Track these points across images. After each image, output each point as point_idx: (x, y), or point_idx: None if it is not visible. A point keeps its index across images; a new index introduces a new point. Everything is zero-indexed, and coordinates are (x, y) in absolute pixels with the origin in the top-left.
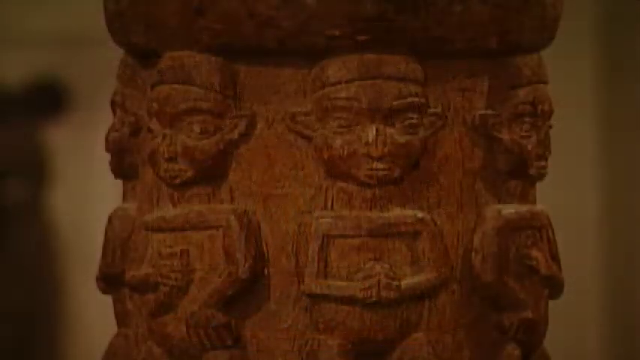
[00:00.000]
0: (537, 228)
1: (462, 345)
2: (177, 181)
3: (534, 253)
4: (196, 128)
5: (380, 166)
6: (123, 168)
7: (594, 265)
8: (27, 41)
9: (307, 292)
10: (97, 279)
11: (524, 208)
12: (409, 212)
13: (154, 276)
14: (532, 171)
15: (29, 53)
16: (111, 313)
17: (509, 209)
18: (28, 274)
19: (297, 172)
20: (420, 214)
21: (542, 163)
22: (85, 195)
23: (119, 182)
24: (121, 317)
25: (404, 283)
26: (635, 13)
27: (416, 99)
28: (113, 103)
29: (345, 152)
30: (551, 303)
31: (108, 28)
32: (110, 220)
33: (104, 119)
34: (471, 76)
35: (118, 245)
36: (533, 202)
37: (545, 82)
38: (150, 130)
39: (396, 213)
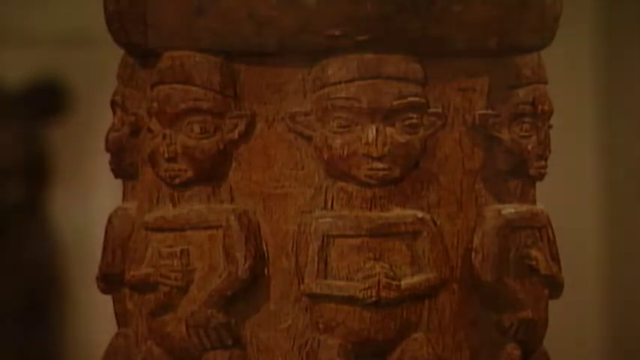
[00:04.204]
0: (537, 228)
1: (462, 345)
2: (177, 181)
3: (534, 252)
4: (196, 128)
5: (380, 165)
6: (123, 168)
7: (594, 265)
8: (27, 41)
9: (307, 292)
10: (97, 279)
11: (524, 208)
12: (409, 212)
13: (154, 276)
14: (532, 171)
15: (29, 53)
16: (111, 313)
17: (509, 209)
18: (28, 274)
19: (297, 171)
20: (419, 214)
21: (542, 163)
22: (85, 195)
23: (119, 182)
24: (121, 317)
25: (404, 283)
26: (635, 13)
27: (416, 99)
28: (113, 103)
29: (345, 152)
30: (551, 303)
31: (108, 28)
32: (110, 220)
33: (104, 119)
34: (471, 76)
35: (118, 245)
36: (533, 202)
37: (545, 82)
38: (150, 130)
39: (396, 213)
